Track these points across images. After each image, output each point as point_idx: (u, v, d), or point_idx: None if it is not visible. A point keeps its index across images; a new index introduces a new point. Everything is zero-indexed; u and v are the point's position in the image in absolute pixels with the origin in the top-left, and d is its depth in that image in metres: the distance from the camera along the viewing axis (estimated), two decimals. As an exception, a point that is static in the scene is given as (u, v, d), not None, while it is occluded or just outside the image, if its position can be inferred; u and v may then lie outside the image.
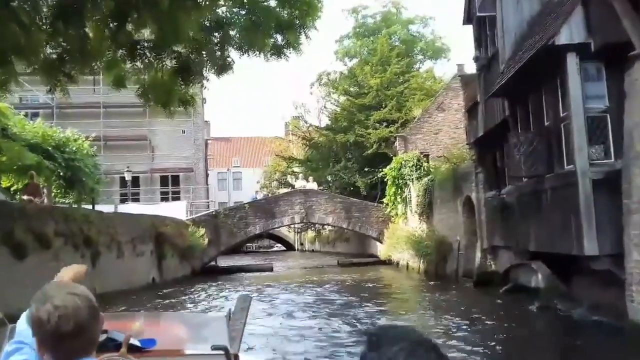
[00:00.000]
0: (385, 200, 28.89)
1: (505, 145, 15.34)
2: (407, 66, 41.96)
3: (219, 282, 26.13)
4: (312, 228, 46.31)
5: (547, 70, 10.72)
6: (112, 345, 3.20)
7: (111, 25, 10.69)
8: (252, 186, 59.85)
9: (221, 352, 3.57)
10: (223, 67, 11.17)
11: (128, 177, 34.36)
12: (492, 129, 15.69)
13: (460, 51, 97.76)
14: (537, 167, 11.03)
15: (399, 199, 27.05)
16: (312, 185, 32.15)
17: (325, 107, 47.54)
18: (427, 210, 22.79)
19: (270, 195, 36.23)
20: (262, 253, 59.82)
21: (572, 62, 9.71)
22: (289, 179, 46.98)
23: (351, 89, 41.60)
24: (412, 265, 24.63)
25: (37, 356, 1.73)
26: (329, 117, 45.30)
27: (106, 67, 11.76)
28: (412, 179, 25.10)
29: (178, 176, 39.86)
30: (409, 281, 22.41)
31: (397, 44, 42.51)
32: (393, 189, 26.94)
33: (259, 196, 34.46)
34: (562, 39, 9.66)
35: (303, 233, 58.58)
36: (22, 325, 1.90)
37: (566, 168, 10.28)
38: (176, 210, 32.31)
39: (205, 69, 11.44)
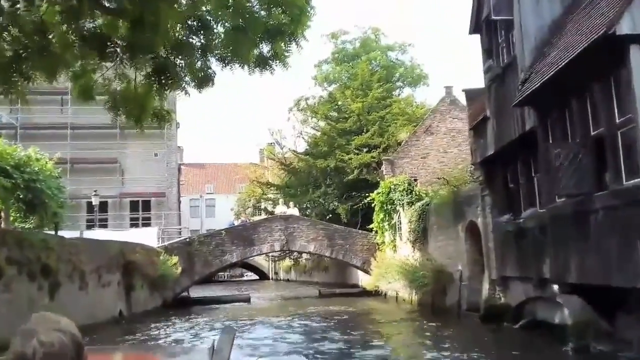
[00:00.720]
0: (373, 226, 26.91)
1: (520, 164, 13.56)
2: (388, 91, 40.54)
3: (193, 315, 23.67)
4: (291, 256, 43.97)
5: (596, 69, 8.96)
6: None
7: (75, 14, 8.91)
8: (225, 213, 57.31)
9: None
10: (204, 79, 9.66)
11: (95, 201, 31.84)
12: (506, 145, 13.90)
13: (439, 78, 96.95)
14: (583, 184, 9.18)
15: (386, 226, 25.10)
16: (293, 210, 30.01)
17: (302, 132, 45.69)
18: (421, 237, 20.85)
19: (248, 221, 33.97)
20: (234, 282, 57.02)
21: (636, 55, 7.96)
22: (266, 205, 44.74)
23: (331, 114, 39.88)
24: (403, 297, 22.57)
25: None
26: (307, 142, 43.42)
27: (73, 77, 10.00)
28: (403, 203, 23.21)
29: (149, 201, 37.34)
30: (402, 314, 20.29)
31: (377, 69, 41.09)
32: (381, 215, 24.99)
33: (237, 222, 32.20)
34: (624, 28, 7.91)
35: (278, 262, 56.12)
36: None
37: (626, 183, 8.43)
38: (147, 237, 29.82)
39: (183, 80, 9.79)
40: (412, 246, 21.76)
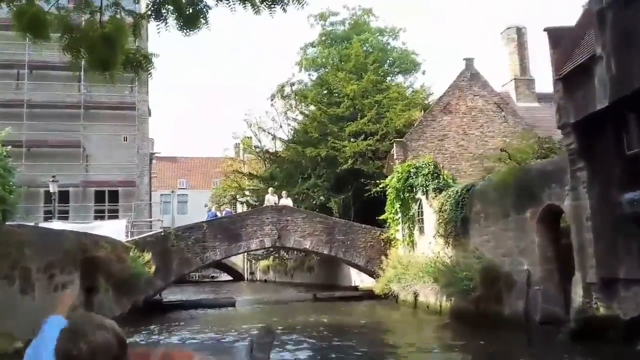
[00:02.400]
0: (385, 217, 22.28)
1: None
2: (384, 75, 36.07)
3: (172, 324, 18.68)
4: (277, 254, 39.01)
5: None
6: None
7: None
8: (199, 210, 51.89)
9: None
10: (192, 17, 7.25)
11: (53, 188, 26.41)
12: (630, 95, 9.43)
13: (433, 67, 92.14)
14: None
15: (402, 218, 20.51)
16: (287, 201, 25.12)
17: (288, 120, 40.83)
18: (458, 229, 16.26)
19: (233, 213, 28.86)
20: (207, 284, 51.47)
21: None
22: (248, 199, 39.75)
23: (323, 99, 35.13)
24: (427, 302, 17.95)
25: None
26: (294, 130, 38.61)
27: (17, 13, 7.26)
28: (428, 190, 18.64)
29: (117, 191, 31.89)
30: (442, 327, 15.66)
31: (370, 51, 36.48)
32: (397, 205, 20.36)
33: (220, 214, 27.17)
34: None
35: (255, 261, 51.01)
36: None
37: None
38: (113, 230, 24.60)
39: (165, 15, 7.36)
40: (445, 241, 17.17)
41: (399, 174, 20.28)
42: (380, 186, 22.56)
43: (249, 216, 24.47)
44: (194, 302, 24.27)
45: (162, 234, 23.49)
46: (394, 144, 23.03)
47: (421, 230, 19.77)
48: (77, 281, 16.48)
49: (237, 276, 56.44)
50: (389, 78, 37.55)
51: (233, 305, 23.65)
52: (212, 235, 23.62)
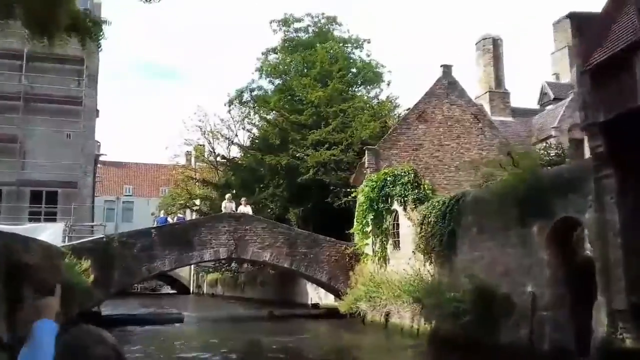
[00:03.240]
0: (353, 230, 20.23)
1: None
2: (349, 85, 34.35)
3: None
4: (227, 267, 36.24)
5: None
6: None
7: None
8: (145, 218, 48.62)
9: None
10: None
11: (-20, 185, 23.31)
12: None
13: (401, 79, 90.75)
14: None
15: (375, 231, 18.49)
16: (246, 209, 22.68)
17: (244, 128, 38.46)
18: (444, 245, 14.34)
19: (185, 219, 26.07)
20: (150, 296, 47.88)
21: None
22: (200, 207, 36.94)
23: (285, 105, 33.00)
24: (402, 324, 15.91)
25: None
26: (252, 138, 36.28)
27: None
28: (406, 200, 16.71)
29: (56, 192, 28.64)
30: (412, 352, 13.63)
31: (334, 60, 34.67)
32: (370, 216, 18.33)
33: (172, 220, 24.37)
34: None
35: (202, 274, 47.97)
36: None
37: None
38: (49, 234, 21.65)
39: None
40: (426, 257, 15.21)
41: (374, 183, 18.30)
42: (352, 195, 20.51)
43: (204, 223, 21.90)
44: (137, 317, 21.44)
45: (104, 239, 20.64)
46: (366, 152, 21.05)
47: (396, 244, 17.81)
48: (-2, 290, 13.68)
49: (183, 289, 53.07)
50: (352, 88, 35.84)
51: (181, 321, 20.99)
52: (161, 242, 20.95)
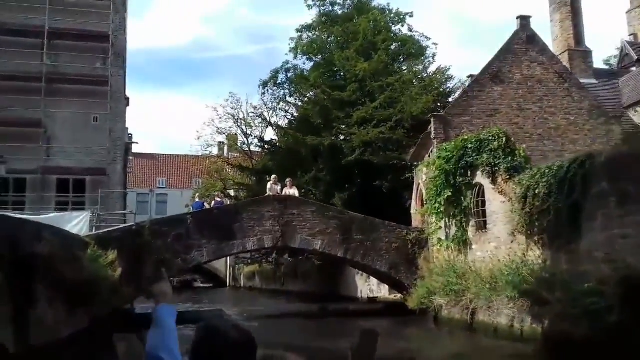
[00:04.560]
0: (424, 211, 16.82)
1: None
2: (395, 56, 30.84)
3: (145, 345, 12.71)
4: (268, 258, 33.09)
5: None
6: None
7: None
8: (179, 210, 45.89)
9: None
10: None
11: (2, 171, 20.52)
12: None
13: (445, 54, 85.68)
14: None
15: (452, 210, 15.01)
16: (293, 191, 19.39)
17: (280, 110, 35.22)
18: (560, 223, 10.79)
19: (224, 203, 22.90)
20: (185, 290, 44.98)
21: None
22: (240, 194, 33.88)
23: (326, 82, 29.60)
24: (495, 323, 12.43)
25: None
26: (291, 118, 33.03)
27: None
28: (497, 170, 13.21)
29: (84, 180, 25.78)
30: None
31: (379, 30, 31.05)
32: (448, 193, 14.83)
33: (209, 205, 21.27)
34: None
35: (239, 266, 45.04)
36: None
37: None
38: (75, 224, 18.86)
39: None
40: (530, 239, 11.71)
41: (449, 153, 14.81)
42: (417, 169, 17.07)
43: (247, 208, 18.66)
44: (179, 315, 18.35)
45: (134, 228, 17.59)
46: (432, 120, 17.55)
47: (480, 225, 14.32)
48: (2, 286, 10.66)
49: (219, 282, 50.17)
50: (396, 64, 32.24)
51: (223, 319, 17.86)
52: (198, 230, 17.82)
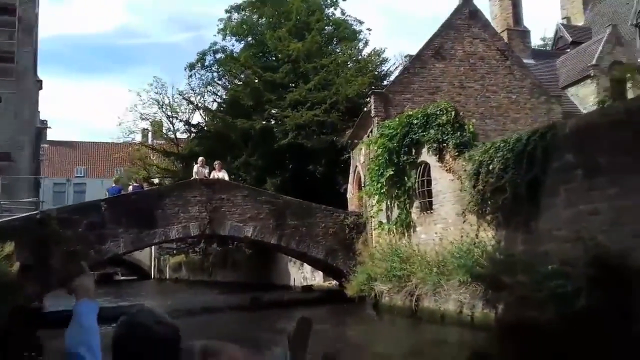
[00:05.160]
0: (365, 193, 15.58)
1: None
2: (328, 39, 29.56)
3: (54, 349, 10.86)
4: (195, 248, 31.01)
5: None
6: None
7: None
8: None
9: None
10: None
11: None
12: None
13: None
14: None
15: (395, 191, 13.85)
16: (222, 174, 17.61)
17: (207, 93, 33.08)
18: (517, 200, 9.79)
19: (143, 187, 20.65)
20: (104, 284, 41.54)
21: None
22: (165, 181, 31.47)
23: (257, 62, 27.88)
24: (443, 310, 11.39)
25: None
26: (219, 101, 31.02)
27: None
28: (446, 147, 12.13)
29: (-15, 166, 22.81)
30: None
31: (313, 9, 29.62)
32: (390, 172, 13.65)
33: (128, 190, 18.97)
34: None
35: (164, 257, 42.49)
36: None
37: None
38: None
39: None
40: (481, 219, 10.70)
41: (392, 130, 13.61)
42: (357, 147, 15.80)
43: (170, 193, 16.75)
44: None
45: (38, 216, 15.28)
46: (371, 97, 16.34)
47: (425, 206, 13.23)
48: None
49: (142, 274, 47.20)
50: (329, 47, 30.97)
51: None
52: (114, 218, 15.76)
